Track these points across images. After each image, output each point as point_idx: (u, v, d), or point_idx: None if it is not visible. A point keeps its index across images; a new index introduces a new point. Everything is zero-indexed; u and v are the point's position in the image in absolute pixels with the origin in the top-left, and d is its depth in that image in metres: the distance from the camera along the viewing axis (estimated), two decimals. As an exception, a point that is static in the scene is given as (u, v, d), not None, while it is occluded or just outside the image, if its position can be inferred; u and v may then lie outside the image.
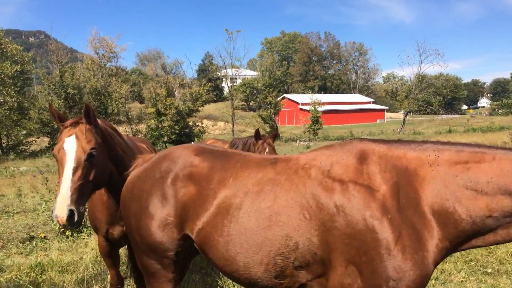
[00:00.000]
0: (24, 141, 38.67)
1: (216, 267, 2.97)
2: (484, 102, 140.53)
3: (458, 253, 5.83)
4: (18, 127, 37.53)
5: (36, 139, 40.67)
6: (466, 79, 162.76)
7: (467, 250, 5.89)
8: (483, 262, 5.55)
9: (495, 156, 2.38)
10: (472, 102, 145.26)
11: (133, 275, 4.52)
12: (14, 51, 37.58)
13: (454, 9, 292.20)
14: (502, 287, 4.73)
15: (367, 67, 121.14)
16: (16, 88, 36.31)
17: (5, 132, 37.10)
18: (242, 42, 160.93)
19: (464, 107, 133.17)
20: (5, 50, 36.65)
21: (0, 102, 36.31)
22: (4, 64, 35.27)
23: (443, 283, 5.03)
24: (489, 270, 5.30)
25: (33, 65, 42.58)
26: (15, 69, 35.98)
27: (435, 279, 5.11)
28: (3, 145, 37.56)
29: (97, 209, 4.19)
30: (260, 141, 6.40)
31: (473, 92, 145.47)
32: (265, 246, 2.62)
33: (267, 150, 6.12)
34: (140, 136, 44.39)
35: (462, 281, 5.05)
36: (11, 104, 35.43)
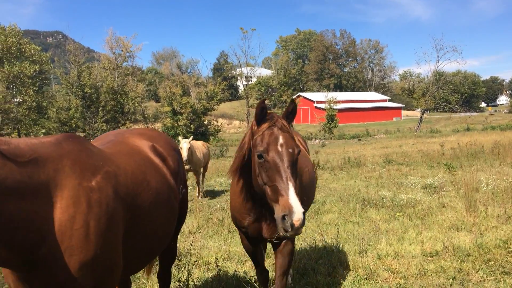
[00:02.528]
0: (43, 140, 39.32)
1: None
2: (503, 99, 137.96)
3: (476, 252, 5.75)
4: (37, 126, 38.18)
5: (55, 138, 41.32)
6: (485, 76, 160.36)
7: (486, 250, 5.80)
8: (501, 261, 5.45)
9: None
10: (491, 99, 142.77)
11: None
12: (32, 51, 38.24)
13: (473, 6, 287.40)
14: (521, 287, 4.65)
15: (383, 64, 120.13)
16: (35, 88, 36.97)
17: (24, 131, 37.78)
18: (257, 41, 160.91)
19: (483, 104, 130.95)
20: (23, 50, 37.30)
21: (20, 102, 37.00)
22: (23, 64, 35.92)
23: (461, 282, 4.96)
24: (508, 270, 5.21)
25: (51, 65, 43.25)
26: (34, 69, 36.61)
27: (452, 279, 5.04)
28: (23, 144, 38.21)
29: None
30: (266, 124, 3.17)
31: (492, 89, 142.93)
32: None
33: (281, 139, 3.04)
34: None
35: (480, 280, 4.97)
36: (30, 104, 36.08)
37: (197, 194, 12.63)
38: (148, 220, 2.92)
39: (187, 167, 11.73)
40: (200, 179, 13.21)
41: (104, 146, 3.22)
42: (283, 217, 2.73)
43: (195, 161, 12.14)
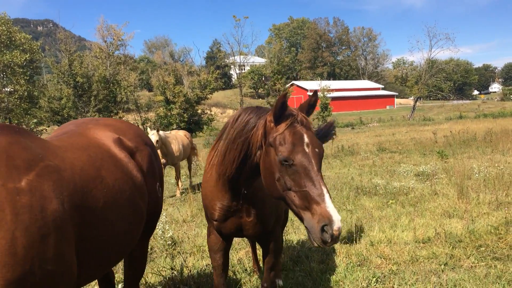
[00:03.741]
0: (35, 129, 39.02)
1: None
2: (495, 87, 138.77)
3: (468, 239, 5.82)
4: (28, 116, 37.83)
5: (47, 128, 41.05)
6: (477, 64, 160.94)
7: (477, 236, 5.88)
8: (492, 247, 5.52)
9: None
10: (483, 87, 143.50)
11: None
12: (22, 40, 37.67)
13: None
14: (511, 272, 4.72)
15: (377, 52, 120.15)
16: (25, 77, 36.53)
17: (16, 121, 37.43)
18: (250, 29, 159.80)
19: (475, 92, 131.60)
20: (14, 39, 36.76)
21: (11, 91, 36.62)
22: (13, 53, 35.46)
23: (452, 268, 5.02)
24: (499, 256, 5.28)
25: (42, 54, 42.71)
26: (24, 58, 36.15)
27: (444, 265, 5.11)
28: (14, 134, 37.90)
29: None
30: (287, 121, 2.67)
31: (484, 77, 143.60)
32: None
33: (306, 138, 2.64)
34: (149, 124, 44.58)
35: (471, 266, 5.04)
36: (21, 93, 35.69)
37: (178, 191, 11.60)
38: (103, 221, 2.53)
39: (163, 160, 11.05)
40: (189, 172, 12.60)
41: (57, 137, 2.91)
42: (322, 228, 2.42)
43: (169, 154, 11.19)
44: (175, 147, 11.32)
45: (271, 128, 2.72)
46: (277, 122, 2.69)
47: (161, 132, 10.88)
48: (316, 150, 2.63)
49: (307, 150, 2.58)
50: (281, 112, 2.67)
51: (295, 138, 2.60)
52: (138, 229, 3.04)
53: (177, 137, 11.80)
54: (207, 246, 3.80)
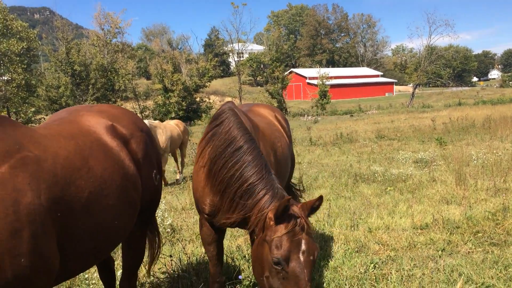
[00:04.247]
0: (33, 118, 38.96)
1: None
2: (495, 73, 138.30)
3: (465, 225, 5.85)
4: (26, 105, 37.74)
5: (45, 117, 41.01)
6: (477, 50, 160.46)
7: (475, 222, 5.91)
8: (490, 233, 5.56)
9: None
10: (483, 74, 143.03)
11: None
12: (19, 28, 37.42)
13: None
14: (508, 257, 4.75)
15: (376, 39, 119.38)
16: (23, 66, 36.36)
17: (14, 110, 37.37)
18: (248, 16, 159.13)
19: (475, 79, 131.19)
20: (10, 27, 36.50)
21: (8, 80, 36.47)
22: (10, 41, 35.24)
23: (450, 254, 5.06)
24: (496, 241, 5.32)
25: (39, 42, 42.46)
26: (21, 46, 35.94)
27: (441, 250, 5.14)
28: (13, 122, 37.86)
29: None
30: (287, 225, 2.64)
31: (484, 63, 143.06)
32: None
33: (303, 245, 2.64)
34: (147, 113, 44.44)
35: (469, 252, 5.08)
36: (19, 82, 35.55)
37: (163, 182, 11.02)
38: (88, 212, 2.45)
39: None
40: (179, 164, 12.17)
41: (46, 125, 2.84)
42: None
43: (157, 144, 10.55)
44: (161, 138, 10.74)
45: (270, 226, 2.67)
46: (277, 222, 2.64)
47: (146, 121, 10.19)
48: (311, 257, 2.61)
49: (301, 259, 2.56)
50: (282, 215, 2.63)
51: (293, 246, 2.57)
52: (129, 219, 2.96)
53: (166, 127, 11.24)
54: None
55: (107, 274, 3.80)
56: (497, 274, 4.38)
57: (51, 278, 2.19)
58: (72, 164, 2.44)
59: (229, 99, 73.14)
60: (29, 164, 2.14)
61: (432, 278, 4.36)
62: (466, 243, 5.32)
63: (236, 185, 2.95)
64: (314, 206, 2.74)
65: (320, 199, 2.72)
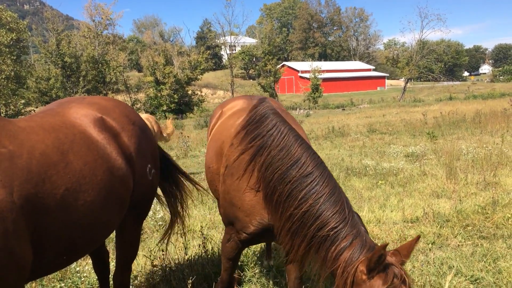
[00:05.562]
0: (23, 110, 38.56)
1: None
2: (485, 68, 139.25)
3: (455, 218, 5.92)
4: (16, 96, 37.33)
5: (35, 109, 40.60)
6: (468, 45, 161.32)
7: (464, 215, 5.97)
8: (479, 226, 5.63)
9: None
10: (474, 68, 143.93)
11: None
12: (8, 18, 36.89)
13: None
14: (497, 251, 4.82)
15: (368, 33, 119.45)
16: (12, 57, 35.91)
17: (3, 102, 36.95)
18: (241, 9, 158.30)
19: (466, 73, 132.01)
20: (-1, 17, 36.01)
21: (-3, 71, 36.01)
22: (-1, 32, 34.78)
23: (439, 247, 5.11)
24: (485, 234, 5.38)
25: (29, 33, 41.94)
26: (10, 37, 35.46)
27: (431, 243, 5.20)
28: (2, 114, 37.48)
29: None
30: (384, 279, 2.20)
31: (475, 58, 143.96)
32: None
33: None
34: (139, 106, 44.17)
35: (458, 245, 5.14)
36: (8, 73, 35.11)
37: None
38: (64, 208, 2.36)
39: None
40: None
41: (29, 117, 2.74)
42: None
43: None
44: None
45: (362, 280, 2.19)
46: (371, 276, 2.17)
47: None
48: None
49: None
50: (377, 265, 2.15)
51: None
52: (114, 215, 2.85)
53: None
54: (198, 227, 3.80)
55: (101, 267, 3.79)
56: (486, 267, 4.44)
57: (23, 274, 2.14)
58: (48, 160, 2.35)
59: (221, 92, 72.96)
60: (1, 160, 2.09)
61: (422, 271, 4.40)
62: (456, 237, 5.38)
63: (313, 227, 2.44)
64: (411, 250, 2.30)
65: (417, 239, 2.32)
